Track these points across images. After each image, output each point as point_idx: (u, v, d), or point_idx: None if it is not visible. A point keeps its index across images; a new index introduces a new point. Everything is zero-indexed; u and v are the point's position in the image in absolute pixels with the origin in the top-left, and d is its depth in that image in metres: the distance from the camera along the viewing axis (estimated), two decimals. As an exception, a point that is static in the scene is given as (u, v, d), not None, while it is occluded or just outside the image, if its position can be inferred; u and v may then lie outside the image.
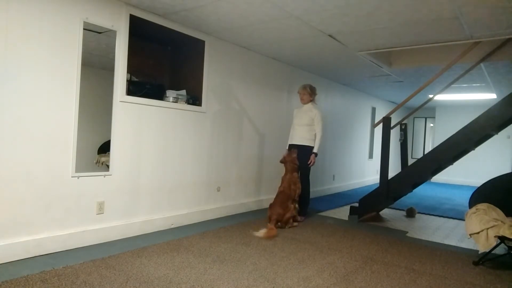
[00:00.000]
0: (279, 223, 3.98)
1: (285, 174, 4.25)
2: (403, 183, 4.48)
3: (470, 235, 3.18)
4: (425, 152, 9.40)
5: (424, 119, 10.93)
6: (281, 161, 4.36)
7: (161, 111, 3.71)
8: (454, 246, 3.75)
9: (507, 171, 8.13)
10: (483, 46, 4.16)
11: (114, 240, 3.28)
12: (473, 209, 3.36)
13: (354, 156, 8.05)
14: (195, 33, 3.98)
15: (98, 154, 3.36)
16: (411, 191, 4.62)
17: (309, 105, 4.47)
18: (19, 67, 2.63)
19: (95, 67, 3.22)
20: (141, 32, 3.67)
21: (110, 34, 3.21)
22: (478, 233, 3.09)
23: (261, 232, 3.64)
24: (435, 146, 4.65)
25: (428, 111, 10.19)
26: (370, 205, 4.74)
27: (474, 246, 3.61)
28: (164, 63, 4.45)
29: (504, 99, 3.88)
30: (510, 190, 3.70)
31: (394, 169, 6.60)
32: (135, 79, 3.76)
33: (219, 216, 4.44)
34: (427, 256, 3.31)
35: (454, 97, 8.01)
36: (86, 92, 3.03)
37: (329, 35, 3.92)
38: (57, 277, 2.38)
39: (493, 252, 3.09)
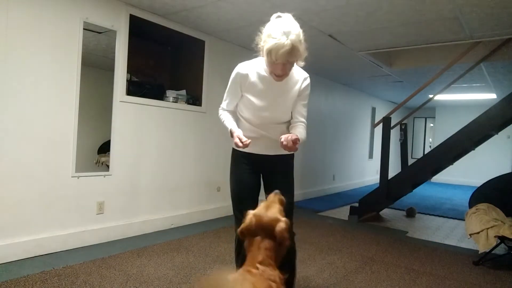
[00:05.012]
0: None
1: None
2: (403, 183, 4.48)
3: (470, 235, 3.18)
4: (425, 152, 9.41)
5: (424, 119, 10.92)
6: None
7: (161, 111, 3.71)
8: (454, 246, 3.75)
9: (507, 171, 8.13)
10: (483, 46, 4.16)
11: (114, 240, 3.27)
12: (473, 209, 3.37)
13: (354, 156, 8.04)
14: (195, 33, 3.98)
15: (98, 154, 3.36)
16: (411, 191, 4.61)
17: (297, 76, 1.97)
18: (19, 67, 2.63)
19: (95, 67, 3.22)
20: (141, 32, 3.67)
21: (110, 34, 3.21)
22: (478, 233, 3.09)
23: None
24: (435, 146, 4.65)
25: (428, 111, 10.19)
26: (370, 205, 4.73)
27: (474, 246, 3.61)
28: (164, 63, 4.45)
29: (504, 99, 3.88)
30: (510, 190, 3.70)
31: (394, 169, 6.60)
32: (135, 79, 3.76)
33: (219, 216, 4.43)
34: (427, 256, 3.31)
35: (454, 97, 8.01)
36: (86, 92, 3.02)
37: (329, 35, 3.92)
38: (57, 277, 2.38)
39: (493, 252, 3.09)
